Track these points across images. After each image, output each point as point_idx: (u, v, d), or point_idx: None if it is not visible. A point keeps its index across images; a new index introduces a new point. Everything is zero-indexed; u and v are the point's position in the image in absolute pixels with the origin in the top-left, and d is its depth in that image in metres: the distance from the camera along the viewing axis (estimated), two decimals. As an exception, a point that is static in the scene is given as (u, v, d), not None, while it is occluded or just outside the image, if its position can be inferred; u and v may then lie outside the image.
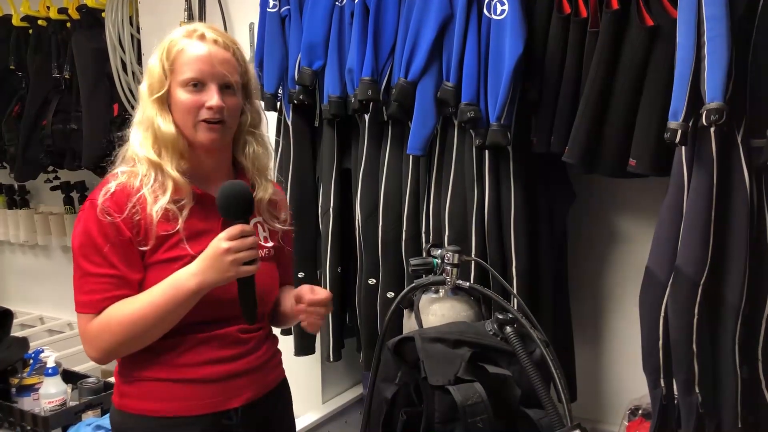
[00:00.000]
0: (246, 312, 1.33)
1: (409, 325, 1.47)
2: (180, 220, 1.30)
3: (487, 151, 1.84)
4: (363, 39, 1.93)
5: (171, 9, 2.58)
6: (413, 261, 1.44)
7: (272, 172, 1.51)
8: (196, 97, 1.30)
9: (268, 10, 2.12)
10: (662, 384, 1.67)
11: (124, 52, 2.77)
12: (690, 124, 1.48)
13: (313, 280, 2.27)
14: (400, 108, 1.89)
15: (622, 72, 1.65)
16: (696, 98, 1.46)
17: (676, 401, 1.65)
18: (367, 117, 2.04)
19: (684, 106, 1.46)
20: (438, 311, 1.41)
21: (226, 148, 1.40)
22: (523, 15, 1.72)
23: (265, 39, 2.14)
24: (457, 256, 1.41)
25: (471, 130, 1.83)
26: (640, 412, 2.05)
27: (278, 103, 2.20)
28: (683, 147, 1.53)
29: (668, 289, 1.59)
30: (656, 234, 1.65)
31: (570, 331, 2.13)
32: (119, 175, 1.32)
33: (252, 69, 1.45)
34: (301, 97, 2.09)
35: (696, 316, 1.54)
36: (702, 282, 1.53)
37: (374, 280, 2.06)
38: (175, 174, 1.29)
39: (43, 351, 2.49)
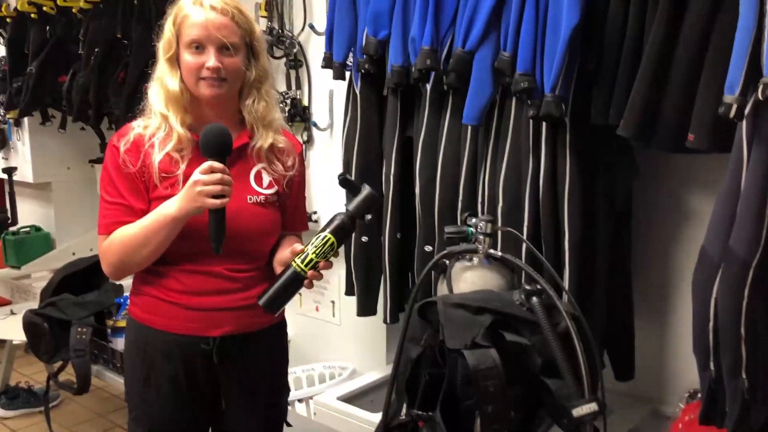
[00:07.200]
0: (212, 241, 1.50)
1: (441, 290, 1.51)
2: (181, 165, 1.53)
3: (543, 122, 1.82)
4: (425, 7, 1.93)
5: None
6: (447, 229, 1.47)
7: (281, 123, 1.68)
8: (198, 58, 1.51)
9: (340, -21, 2.17)
10: (711, 367, 1.61)
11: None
12: (748, 99, 1.40)
13: (377, 246, 2.34)
14: (458, 78, 1.90)
15: (683, 39, 1.56)
16: (755, 71, 1.37)
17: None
18: (428, 86, 2.06)
19: (741, 79, 1.38)
20: (469, 279, 1.44)
21: (230, 101, 1.59)
22: (583, -18, 1.67)
23: (336, 8, 2.20)
24: (489, 225, 1.42)
25: (527, 101, 1.81)
26: (699, 395, 1.98)
27: (348, 73, 2.26)
28: (744, 122, 1.45)
29: (720, 269, 1.53)
30: (713, 213, 1.58)
31: (630, 308, 2.08)
32: (136, 128, 1.58)
33: (258, 30, 1.60)
34: (366, 66, 2.14)
35: (746, 299, 1.48)
36: (754, 264, 1.46)
37: (430, 248, 2.10)
38: (177, 126, 1.51)
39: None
